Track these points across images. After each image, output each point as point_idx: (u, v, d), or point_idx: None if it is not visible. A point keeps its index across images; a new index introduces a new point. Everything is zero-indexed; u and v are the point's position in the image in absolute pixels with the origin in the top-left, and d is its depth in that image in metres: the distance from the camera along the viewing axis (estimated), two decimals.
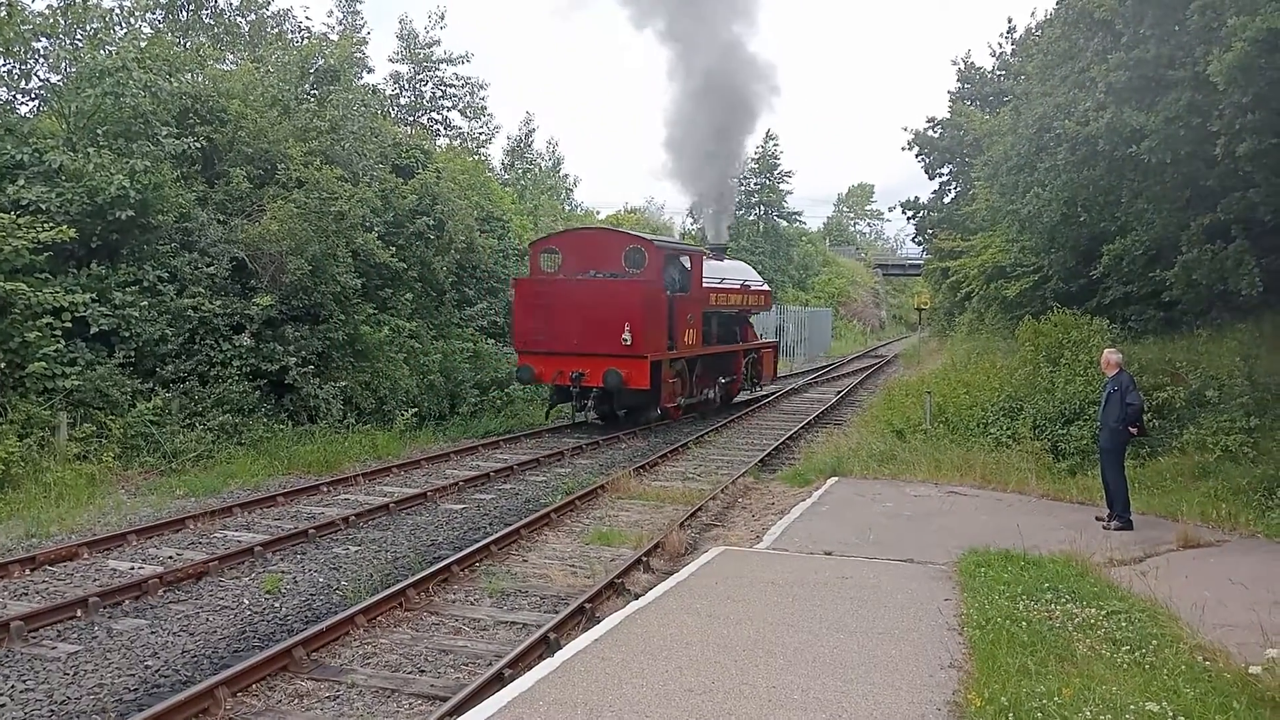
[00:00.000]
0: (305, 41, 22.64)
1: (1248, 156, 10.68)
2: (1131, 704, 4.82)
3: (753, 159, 59.24)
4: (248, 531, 10.36)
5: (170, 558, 9.24)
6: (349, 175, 17.68)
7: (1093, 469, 11.31)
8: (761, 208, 61.89)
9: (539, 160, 46.42)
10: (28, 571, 8.71)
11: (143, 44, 15.78)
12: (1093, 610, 6.49)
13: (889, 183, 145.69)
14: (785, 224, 63.66)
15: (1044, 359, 14.47)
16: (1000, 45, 33.58)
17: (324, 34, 27.82)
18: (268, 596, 8.19)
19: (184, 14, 22.60)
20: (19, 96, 15.55)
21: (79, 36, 15.21)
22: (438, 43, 37.08)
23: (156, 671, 6.56)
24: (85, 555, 9.22)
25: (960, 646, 5.97)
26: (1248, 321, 13.93)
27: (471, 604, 8.09)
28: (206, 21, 23.46)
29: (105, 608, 7.70)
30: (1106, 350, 10.31)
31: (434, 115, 37.80)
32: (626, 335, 16.71)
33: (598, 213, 48.39)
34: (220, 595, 8.19)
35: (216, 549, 9.52)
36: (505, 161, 43.10)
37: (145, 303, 13.82)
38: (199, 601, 8.02)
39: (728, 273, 22.49)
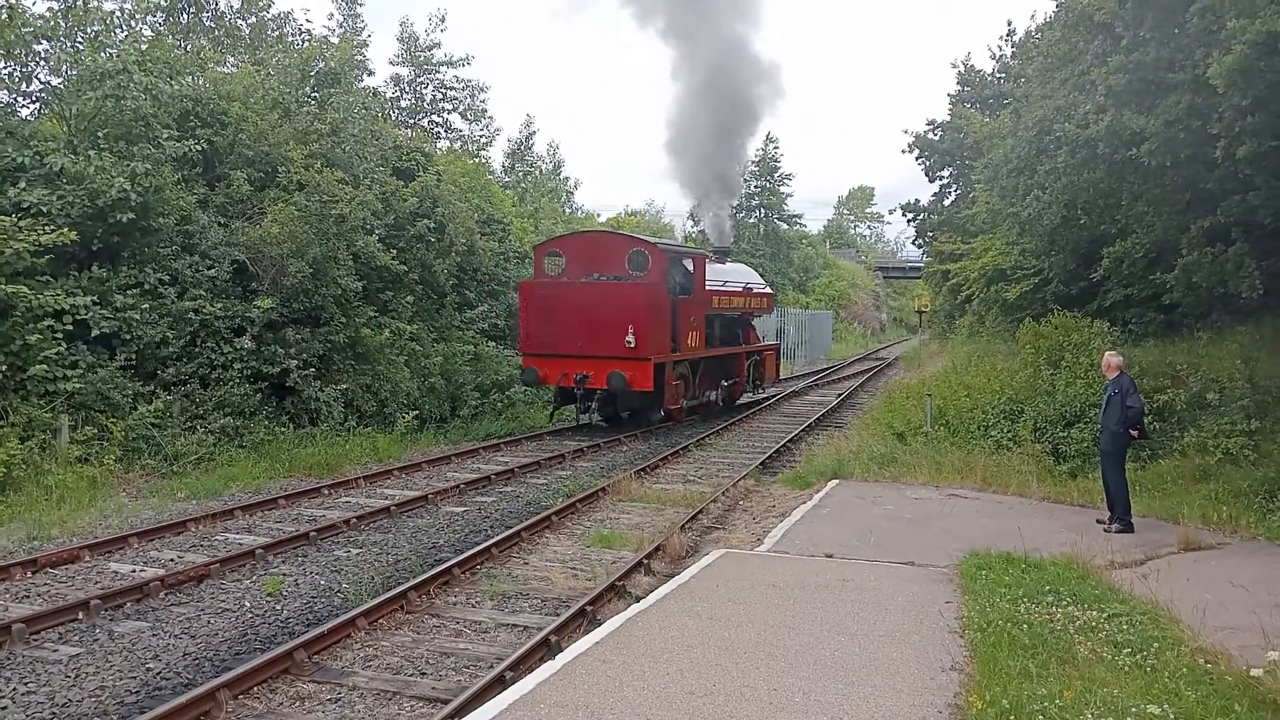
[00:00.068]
0: (306, 44, 22.66)
1: (1248, 159, 10.69)
2: (1133, 707, 4.83)
3: (753, 162, 59.31)
4: (249, 534, 10.36)
5: (171, 560, 9.25)
6: (350, 178, 17.70)
7: (1093, 471, 11.31)
8: (762, 210, 61.92)
9: (539, 163, 46.48)
10: (29, 574, 8.71)
11: (143, 47, 15.79)
12: (1094, 613, 6.49)
13: (889, 185, 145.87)
14: (786, 227, 63.69)
15: (1044, 362, 14.48)
16: (1000, 48, 33.61)
17: (324, 37, 27.82)
18: (269, 599, 8.19)
19: (185, 17, 22.62)
20: (20, 99, 15.57)
21: (80, 39, 15.23)
22: (438, 45, 37.16)
23: (158, 674, 6.57)
24: (87, 558, 9.23)
25: (961, 649, 5.98)
26: (1248, 324, 13.94)
27: (473, 606, 8.10)
28: (207, 24, 23.48)
29: (107, 610, 7.71)
30: (1107, 353, 10.31)
31: (434, 118, 37.84)
32: (630, 338, 16.80)
33: (598, 215, 48.45)
34: (221, 598, 8.19)
35: (218, 551, 9.52)
36: (506, 164, 43.17)
37: (146, 305, 13.83)
38: (200, 604, 8.02)
39: (730, 275, 22.56)
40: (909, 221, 36.14)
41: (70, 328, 12.62)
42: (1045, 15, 27.89)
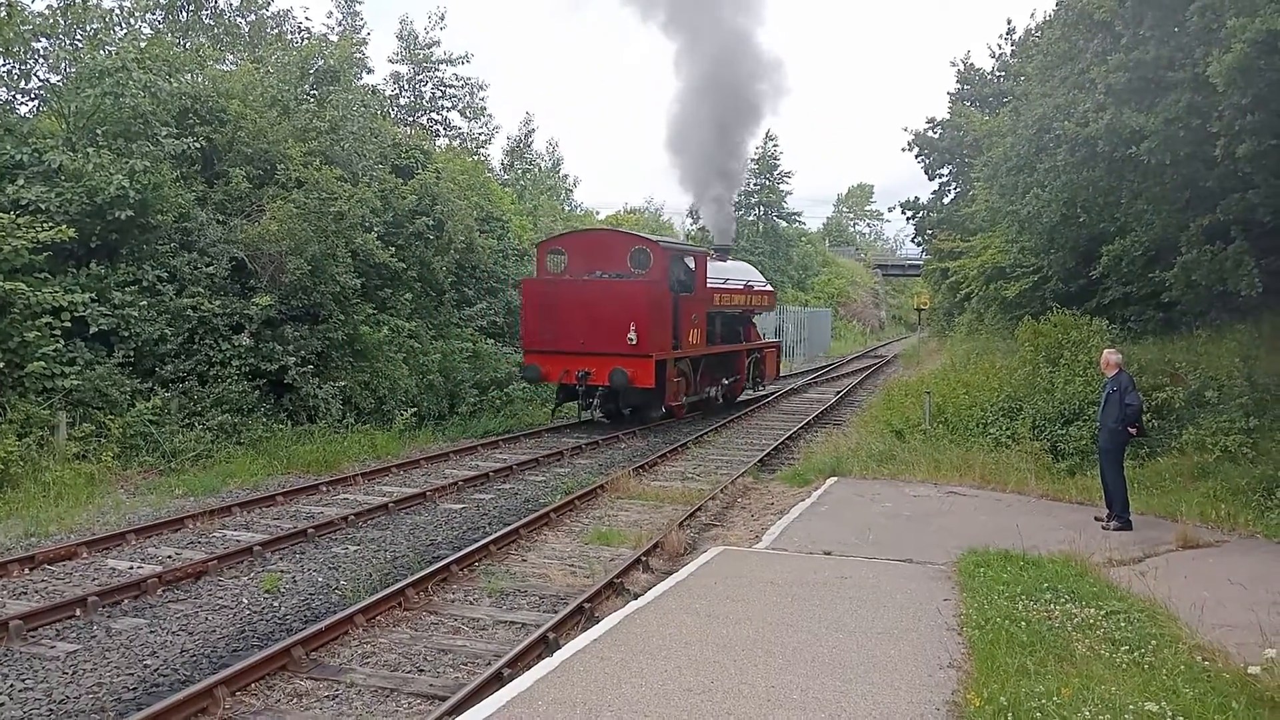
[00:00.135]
0: (305, 42, 22.64)
1: (1247, 158, 10.69)
2: (1130, 704, 4.83)
3: (753, 159, 59.30)
4: (247, 531, 10.36)
5: (169, 557, 9.24)
6: (348, 175, 17.70)
7: (1092, 469, 11.31)
8: (761, 208, 61.91)
9: (538, 161, 46.42)
10: (27, 571, 8.71)
11: (142, 44, 15.79)
12: (1092, 610, 6.49)
13: (889, 183, 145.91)
14: (785, 224, 63.68)
15: (1043, 359, 14.48)
16: (1000, 46, 33.65)
17: (324, 34, 27.83)
18: (267, 596, 8.19)
19: (184, 14, 22.60)
20: (19, 96, 15.58)
21: (79, 37, 15.22)
22: (438, 43, 37.05)
23: (155, 671, 6.56)
24: (84, 554, 9.22)
25: (959, 646, 5.98)
26: (1247, 322, 13.94)
27: (470, 604, 8.09)
28: (206, 22, 23.46)
29: (104, 607, 7.70)
30: (1106, 351, 10.31)
31: (434, 116, 37.78)
32: (632, 335, 16.88)
33: (597, 213, 48.45)
34: (219, 594, 8.19)
35: (215, 548, 9.52)
36: (505, 162, 43.11)
37: (144, 302, 13.82)
38: (198, 601, 8.02)
39: (731, 273, 22.62)
40: (908, 219, 36.20)
41: (68, 325, 12.62)
42: (1045, 14, 27.92)
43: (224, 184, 16.24)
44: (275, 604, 8.00)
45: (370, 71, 33.72)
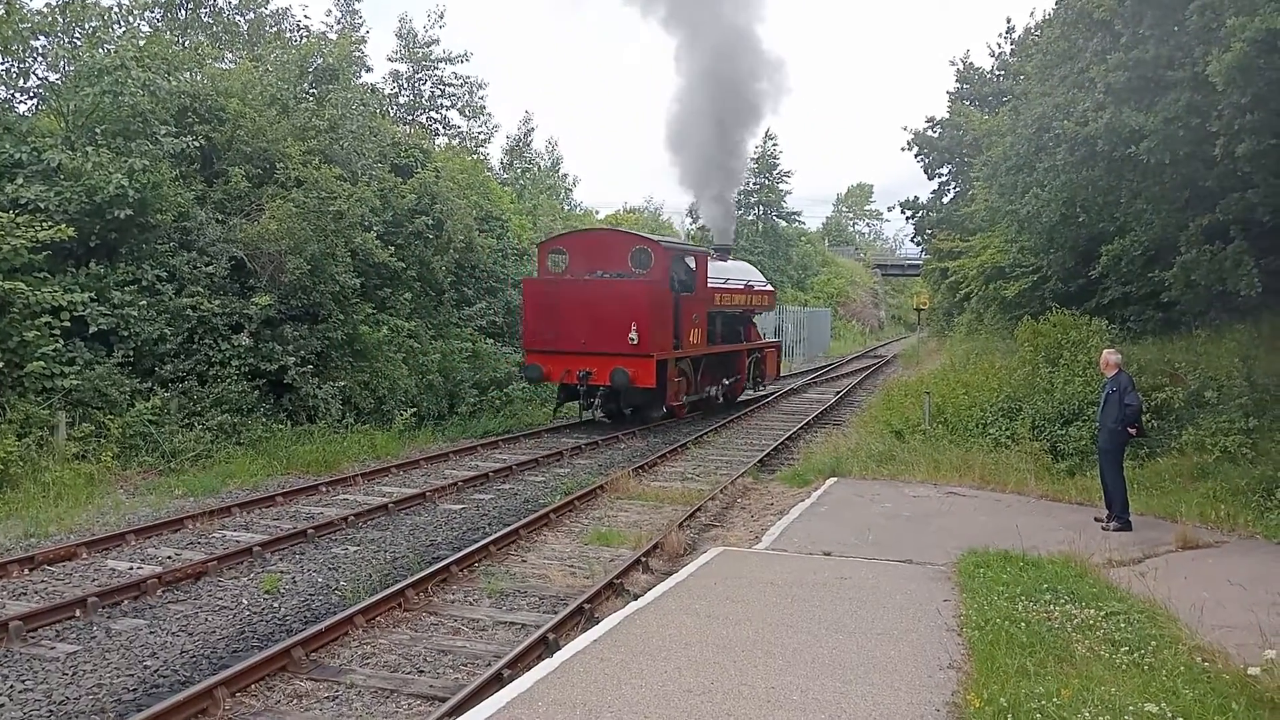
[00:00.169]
0: (304, 40, 22.63)
1: (1247, 157, 10.69)
2: (1130, 705, 4.83)
3: (752, 159, 59.26)
4: (246, 531, 10.35)
5: (169, 558, 9.24)
6: (348, 174, 17.68)
7: (1091, 470, 11.31)
8: (760, 207, 61.88)
9: (538, 160, 46.41)
10: (26, 571, 8.70)
11: (141, 43, 15.76)
12: (1091, 611, 6.49)
13: (888, 183, 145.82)
14: (784, 224, 63.64)
15: (1043, 359, 14.49)
16: (999, 45, 33.66)
17: (323, 33, 27.80)
18: (266, 596, 8.19)
19: (182, 13, 22.60)
20: (17, 95, 15.55)
21: (77, 35, 15.21)
22: (437, 42, 37.08)
23: (155, 671, 6.56)
24: (84, 555, 9.22)
25: (959, 647, 5.98)
26: (1246, 322, 13.95)
27: (470, 604, 8.09)
28: (205, 20, 23.46)
29: (104, 608, 7.70)
30: (1105, 351, 10.31)
31: (433, 114, 37.78)
32: (633, 334, 16.93)
33: (597, 212, 48.40)
34: (219, 595, 8.19)
35: (215, 549, 9.51)
36: (504, 161, 43.10)
37: (144, 302, 13.81)
38: (198, 601, 8.02)
39: (732, 273, 22.66)
40: (908, 219, 36.22)
41: (68, 324, 12.61)
42: (1045, 13, 27.90)
43: (223, 183, 16.23)
44: (275, 605, 8.00)
45: (369, 70, 33.64)
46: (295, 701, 6.13)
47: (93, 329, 13.11)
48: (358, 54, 23.37)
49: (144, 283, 14.04)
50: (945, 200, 33.99)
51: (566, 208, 42.94)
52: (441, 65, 37.38)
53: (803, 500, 11.29)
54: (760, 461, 14.85)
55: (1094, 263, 17.65)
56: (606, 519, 11.17)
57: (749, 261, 32.28)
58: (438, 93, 37.91)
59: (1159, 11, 11.80)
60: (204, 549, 9.55)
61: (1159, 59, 11.75)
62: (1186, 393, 12.62)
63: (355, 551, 9.67)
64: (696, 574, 7.80)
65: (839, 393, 26.17)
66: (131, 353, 13.54)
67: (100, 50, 14.76)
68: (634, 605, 6.95)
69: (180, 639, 7.17)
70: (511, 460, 14.73)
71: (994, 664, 5.51)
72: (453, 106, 38.30)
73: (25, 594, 8.14)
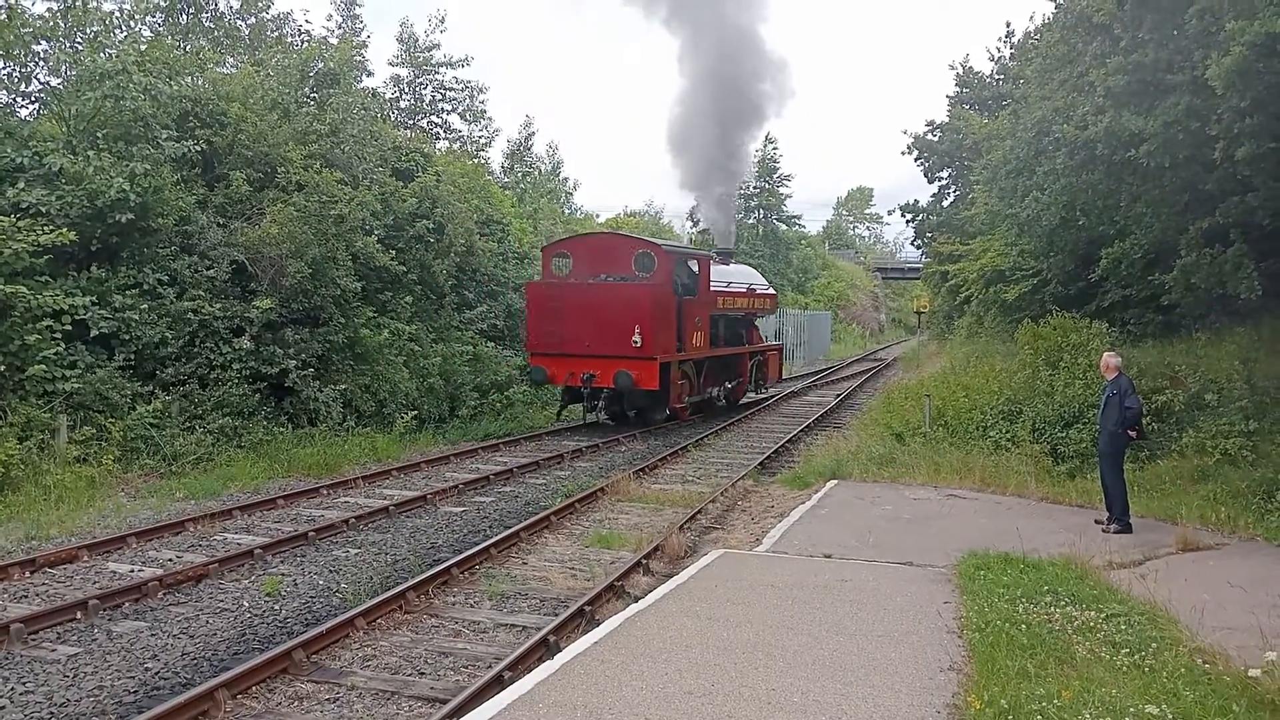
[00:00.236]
0: (305, 45, 22.66)
1: (1246, 160, 10.70)
2: (1131, 707, 4.83)
3: (753, 162, 59.28)
4: (248, 534, 10.36)
5: (170, 560, 9.24)
6: (349, 178, 17.71)
7: (1092, 472, 11.31)
8: (761, 211, 61.92)
9: (538, 164, 46.46)
10: (28, 574, 8.71)
11: (143, 47, 15.78)
12: (1092, 613, 6.49)
13: (888, 186, 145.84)
14: (784, 227, 63.68)
15: (1043, 362, 14.49)
16: (999, 49, 33.68)
17: (324, 37, 27.84)
18: (267, 599, 8.19)
19: (184, 17, 22.59)
20: (19, 99, 15.57)
21: (79, 40, 15.22)
22: (437, 46, 37.10)
23: (156, 674, 6.57)
24: (85, 558, 9.22)
25: (960, 649, 5.98)
26: (1246, 325, 13.95)
27: (471, 606, 8.10)
28: (206, 25, 23.45)
29: (105, 610, 7.71)
30: (1105, 354, 10.32)
31: (434, 119, 37.80)
32: (637, 337, 17.03)
33: (597, 216, 48.39)
34: (220, 598, 8.19)
35: (216, 551, 9.52)
36: (505, 165, 43.13)
37: (145, 306, 13.83)
38: (199, 604, 8.02)
39: (734, 276, 22.76)
40: (908, 222, 36.20)
41: (69, 328, 12.62)
42: (1044, 17, 27.88)
43: (224, 187, 16.25)
44: (276, 607, 8.01)
45: (370, 74, 33.59)
46: (296, 703, 6.13)
47: (94, 332, 13.12)
48: (359, 58, 23.42)
49: (145, 286, 14.05)
50: (945, 204, 33.99)
51: (567, 211, 42.98)
52: (442, 70, 37.42)
53: (803, 503, 11.29)
54: (761, 464, 14.85)
55: (1094, 266, 17.65)
56: (607, 521, 11.17)
57: (749, 265, 32.31)
58: (438, 97, 37.94)
59: (1158, 15, 11.82)
60: (205, 551, 9.56)
61: (1158, 63, 11.77)
62: (1187, 395, 12.62)
63: (356, 554, 9.68)
64: (697, 576, 7.80)
65: (839, 396, 26.17)
66: (133, 356, 13.55)
67: (102, 55, 14.79)
68: (635, 607, 6.96)
69: (181, 641, 7.17)
70: (512, 463, 14.74)
71: (994, 666, 5.51)
72: (453, 111, 38.34)
73: (26, 596, 8.14)
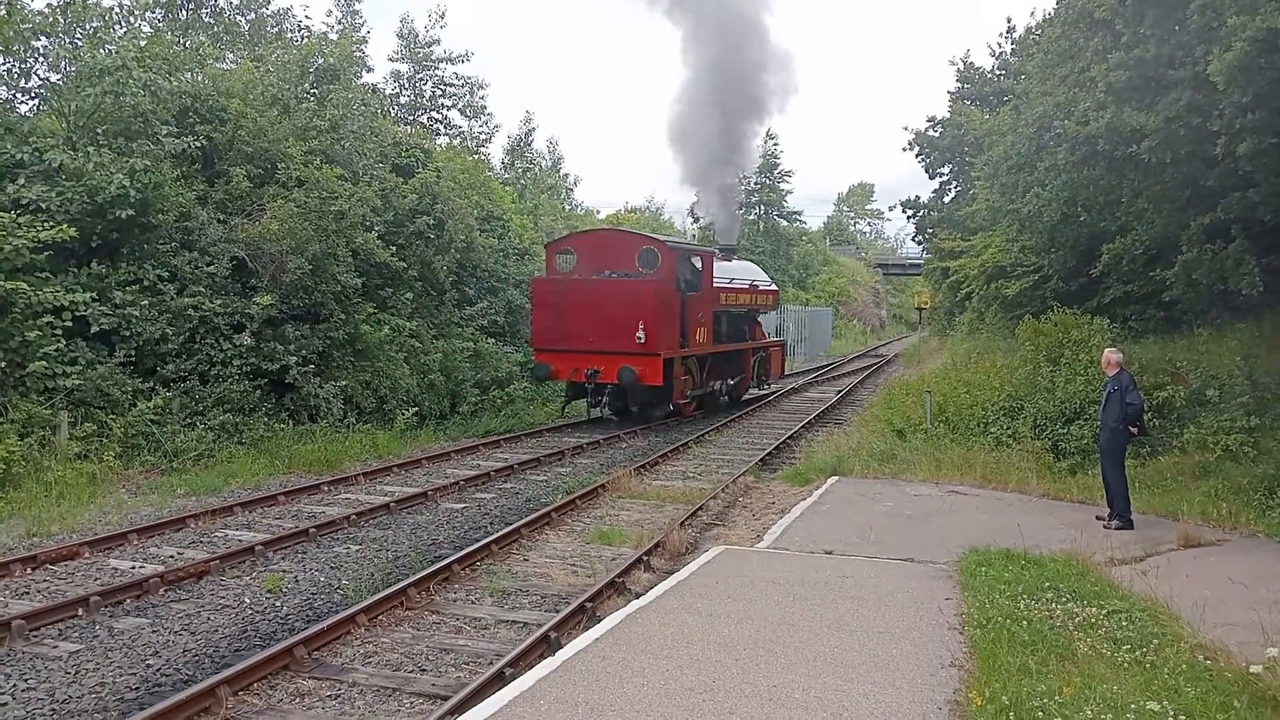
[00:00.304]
0: (305, 40, 22.63)
1: (1248, 156, 10.68)
2: (1132, 703, 4.83)
3: (756, 157, 59.13)
4: (249, 530, 10.36)
5: (171, 557, 9.25)
6: (349, 174, 17.70)
7: (1093, 468, 11.30)
8: (762, 207, 61.86)
9: (539, 160, 46.40)
10: (29, 570, 8.71)
11: (142, 43, 15.77)
12: (1093, 609, 6.49)
13: (889, 182, 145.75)
14: (785, 223, 63.62)
15: (1044, 358, 14.48)
16: (1000, 45, 33.60)
17: (324, 33, 27.80)
18: (269, 595, 8.20)
19: (184, 13, 22.58)
20: (19, 95, 15.56)
21: (79, 35, 15.20)
22: (438, 42, 37.06)
23: (158, 670, 6.57)
24: (86, 554, 9.23)
25: (961, 645, 5.98)
26: (1248, 321, 13.94)
27: (473, 603, 8.10)
28: (206, 20, 23.44)
29: (106, 607, 7.71)
30: (1107, 350, 10.31)
31: (434, 114, 37.76)
32: (641, 333, 17.10)
33: (598, 212, 48.41)
34: (221, 594, 8.19)
35: (218, 548, 9.52)
36: (505, 161, 43.08)
37: (145, 302, 13.82)
38: (200, 600, 8.03)
39: (737, 273, 22.81)
40: (909, 218, 36.19)
41: (69, 324, 12.62)
42: (1045, 12, 27.89)
43: (224, 183, 16.24)
44: (277, 603, 8.01)
45: (370, 70, 33.70)
46: (297, 700, 6.13)
47: (94, 329, 13.12)
48: (359, 54, 23.41)
49: (145, 283, 14.05)
50: (946, 200, 33.96)
51: (567, 207, 42.96)
52: (442, 65, 37.38)
53: (804, 499, 11.28)
54: (762, 460, 14.85)
55: (1095, 262, 17.64)
56: (608, 518, 11.18)
57: (751, 261, 32.30)
58: (439, 93, 37.91)
59: (1160, 11, 11.80)
60: (206, 548, 9.56)
61: (1160, 58, 11.74)
62: (1188, 391, 12.61)
63: (357, 550, 9.68)
64: (698, 572, 7.80)
65: (840, 392, 26.17)
66: (133, 352, 13.56)
67: (101, 51, 14.77)
68: (636, 604, 6.96)
69: (182, 638, 7.17)
70: (513, 459, 14.74)
71: (996, 662, 5.51)
72: (453, 106, 38.31)
73: (28, 593, 8.15)
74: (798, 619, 6.51)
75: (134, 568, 8.85)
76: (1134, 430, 9.69)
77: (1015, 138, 16.69)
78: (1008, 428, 13.56)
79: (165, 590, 8.19)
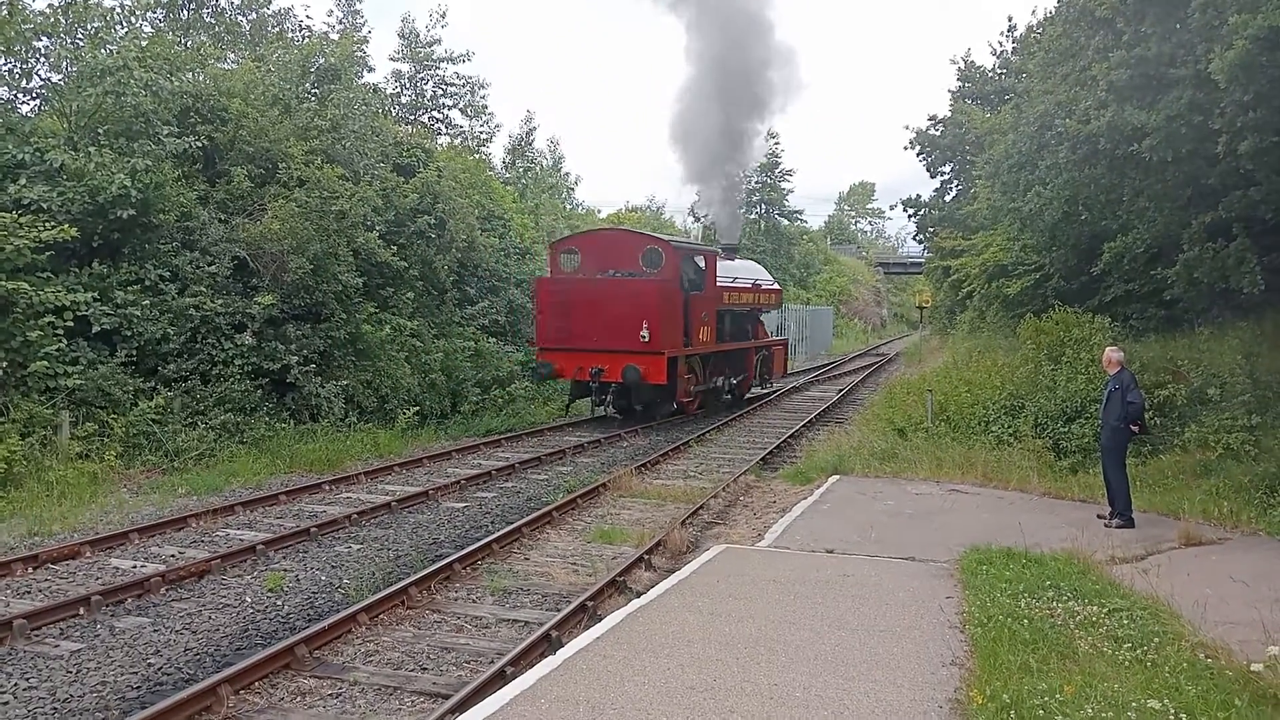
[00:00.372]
0: (306, 40, 22.65)
1: (1249, 155, 10.67)
2: (1133, 701, 4.83)
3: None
4: (250, 530, 10.37)
5: (172, 556, 9.26)
6: (350, 174, 17.71)
7: (1094, 467, 11.30)
8: (763, 206, 61.83)
9: (540, 159, 46.40)
10: (30, 570, 8.72)
11: (144, 43, 15.76)
12: (1094, 608, 6.49)
13: (890, 181, 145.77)
14: (786, 222, 63.60)
15: (1045, 357, 14.47)
16: (1001, 44, 33.54)
17: (324, 33, 27.82)
18: (270, 594, 8.20)
19: (185, 13, 22.58)
20: (20, 95, 15.55)
21: (80, 35, 15.21)
22: (439, 41, 37.08)
23: (159, 669, 6.57)
24: (88, 554, 9.24)
25: (962, 644, 5.98)
26: (1249, 319, 13.93)
27: (474, 602, 8.10)
28: (207, 20, 23.45)
29: (108, 606, 7.72)
30: (1108, 348, 10.31)
31: (435, 114, 37.77)
32: (644, 332, 17.17)
33: (599, 211, 48.39)
34: (223, 593, 8.20)
35: (219, 547, 9.53)
36: (506, 160, 43.08)
37: (147, 302, 13.83)
38: (201, 599, 8.03)
39: (740, 272, 22.85)
40: (910, 217, 36.09)
41: (71, 324, 12.63)
42: (1046, 11, 27.83)
43: (226, 183, 16.25)
44: (278, 602, 8.02)
45: (371, 70, 33.77)
46: (299, 699, 6.14)
47: (96, 329, 13.13)
48: (359, 54, 23.45)
49: (147, 282, 14.06)
50: (947, 198, 33.90)
51: (568, 207, 42.95)
52: (443, 65, 37.38)
53: (805, 498, 11.29)
54: (763, 459, 14.85)
55: (1096, 260, 17.63)
56: (609, 517, 11.18)
57: (753, 260, 32.29)
58: (439, 92, 37.91)
59: (1161, 9, 11.78)
60: (207, 547, 9.57)
61: (1161, 57, 11.73)
62: (1189, 390, 12.60)
63: (358, 549, 9.69)
64: (699, 571, 7.80)
65: (841, 391, 26.16)
66: (134, 352, 13.56)
67: (103, 51, 14.77)
68: (637, 603, 6.96)
69: (184, 637, 7.18)
70: (514, 458, 14.75)
71: (997, 661, 5.51)
72: (454, 106, 38.31)
73: (29, 592, 8.16)
74: (799, 617, 6.51)
75: (135, 567, 8.86)
76: (1135, 429, 9.69)
77: (1016, 136, 16.67)
78: (1009, 426, 13.55)
79: (166, 589, 8.19)
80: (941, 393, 15.65)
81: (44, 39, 14.97)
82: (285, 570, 8.87)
